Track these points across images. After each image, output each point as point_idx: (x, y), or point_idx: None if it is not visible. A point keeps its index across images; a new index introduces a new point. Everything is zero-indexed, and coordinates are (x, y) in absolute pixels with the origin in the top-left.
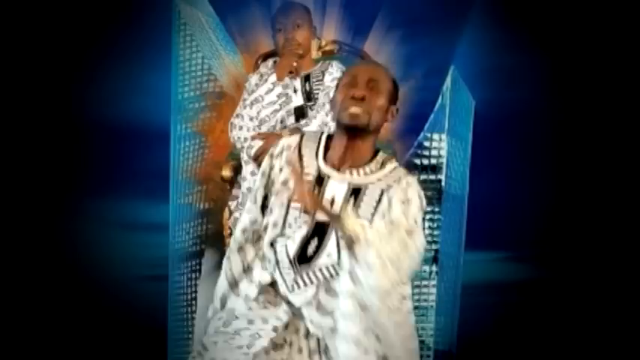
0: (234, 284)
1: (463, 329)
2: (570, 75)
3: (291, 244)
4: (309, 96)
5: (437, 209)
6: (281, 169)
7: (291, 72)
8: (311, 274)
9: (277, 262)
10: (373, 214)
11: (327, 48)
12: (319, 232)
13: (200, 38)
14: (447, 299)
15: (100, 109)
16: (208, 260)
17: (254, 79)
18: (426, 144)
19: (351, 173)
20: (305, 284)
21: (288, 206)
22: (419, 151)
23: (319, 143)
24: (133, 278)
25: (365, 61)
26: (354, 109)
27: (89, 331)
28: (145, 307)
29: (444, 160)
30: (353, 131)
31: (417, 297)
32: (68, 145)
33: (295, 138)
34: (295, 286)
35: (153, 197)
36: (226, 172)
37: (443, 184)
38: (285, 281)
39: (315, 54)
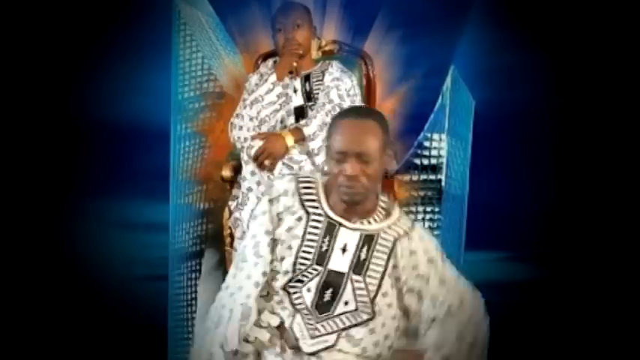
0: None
1: None
2: (570, 75)
3: (306, 293)
4: (309, 96)
5: (437, 209)
6: (280, 216)
7: (291, 72)
8: (331, 322)
9: (294, 307)
10: (387, 261)
11: (327, 48)
12: (334, 280)
13: (200, 38)
14: None
15: (100, 109)
16: (208, 260)
17: (254, 79)
18: (426, 144)
19: (361, 222)
20: (326, 330)
21: (297, 255)
22: (419, 151)
23: (318, 191)
24: (133, 278)
25: (352, 118)
26: (349, 190)
27: (89, 331)
28: (145, 307)
29: (444, 160)
30: (352, 203)
31: None
32: (68, 145)
33: (291, 182)
34: (316, 332)
35: (153, 197)
36: (226, 172)
37: (443, 184)
38: (305, 326)
39: (315, 54)
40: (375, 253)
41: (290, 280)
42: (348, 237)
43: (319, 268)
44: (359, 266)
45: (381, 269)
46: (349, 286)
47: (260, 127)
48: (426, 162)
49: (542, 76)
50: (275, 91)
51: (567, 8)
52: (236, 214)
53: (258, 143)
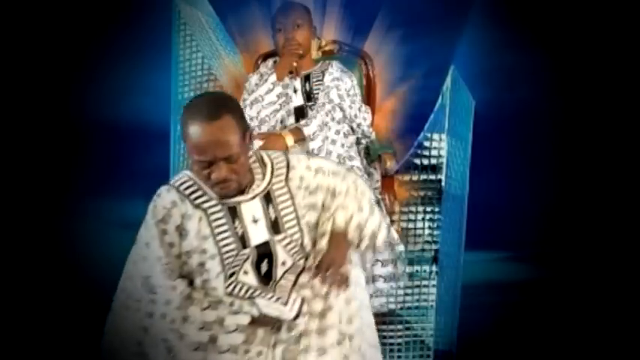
0: (211, 341)
1: (463, 329)
2: (570, 75)
3: (245, 277)
4: (309, 96)
5: (437, 209)
6: (180, 231)
7: (291, 72)
8: (280, 286)
9: (247, 298)
10: (293, 204)
11: (327, 48)
12: (263, 252)
13: (200, 38)
14: (447, 299)
15: (99, 109)
16: None
17: (254, 79)
18: (426, 144)
19: (252, 189)
20: (286, 294)
21: (220, 252)
22: (419, 151)
23: (199, 185)
24: None
25: (204, 120)
26: (223, 191)
27: (89, 330)
28: None
29: (444, 160)
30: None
31: (417, 297)
32: (68, 145)
33: (170, 192)
34: (282, 299)
35: (153, 197)
36: None
37: (443, 184)
38: (271, 301)
39: (315, 54)
40: (280, 206)
41: (227, 283)
42: (250, 209)
43: (247, 251)
44: (275, 226)
45: (293, 215)
46: (278, 248)
47: (260, 127)
48: (426, 162)
49: (542, 76)
50: (275, 91)
51: (567, 8)
52: None
53: (258, 143)
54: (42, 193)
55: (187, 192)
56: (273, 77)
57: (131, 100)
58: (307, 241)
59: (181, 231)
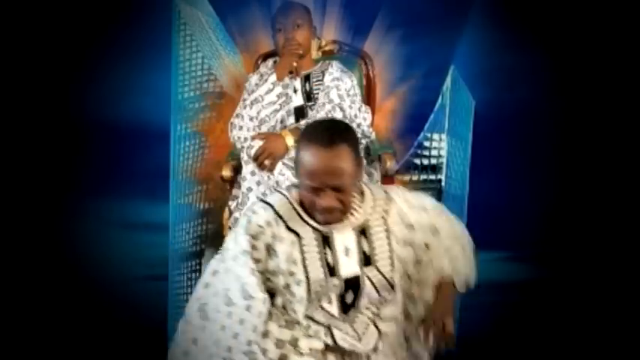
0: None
1: (463, 329)
2: (571, 75)
3: (328, 306)
4: (309, 96)
5: None
6: (270, 248)
7: (291, 72)
8: (360, 315)
9: (323, 325)
10: (388, 240)
11: (327, 48)
12: (351, 283)
13: (200, 38)
14: None
15: (99, 109)
16: (208, 260)
17: (254, 79)
18: (426, 144)
19: (347, 220)
20: (366, 324)
21: (307, 278)
22: (419, 151)
23: (297, 209)
24: (133, 278)
25: (323, 146)
26: (326, 218)
27: (89, 330)
28: (145, 307)
29: (444, 160)
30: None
31: None
32: (68, 145)
33: (267, 211)
34: (360, 333)
35: (153, 197)
36: (226, 172)
37: (443, 184)
38: (347, 334)
39: (315, 54)
40: (374, 238)
41: (307, 307)
42: (344, 239)
43: (336, 282)
44: (367, 259)
45: (387, 253)
46: (367, 282)
47: (260, 127)
48: (426, 162)
49: (542, 76)
50: (275, 91)
51: (567, 8)
52: (236, 214)
53: (258, 143)
54: (42, 193)
55: (283, 214)
56: (273, 77)
57: (131, 100)
58: (397, 277)
59: (270, 250)
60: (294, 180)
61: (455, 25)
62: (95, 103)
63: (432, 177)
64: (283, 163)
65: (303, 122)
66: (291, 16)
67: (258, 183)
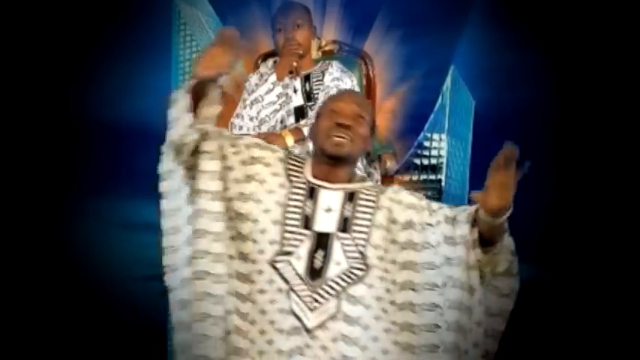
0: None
1: None
2: (571, 75)
3: (296, 262)
4: (309, 96)
5: None
6: (253, 161)
7: (291, 72)
8: (326, 287)
9: (287, 282)
10: (373, 215)
11: (327, 48)
12: (323, 243)
13: (200, 38)
14: None
15: (99, 109)
16: None
17: (254, 79)
18: (426, 144)
19: (342, 184)
20: (324, 298)
21: (283, 222)
22: (419, 151)
23: (304, 164)
24: (133, 278)
25: (350, 94)
26: (339, 139)
27: (89, 330)
28: (145, 307)
29: (444, 160)
30: (335, 159)
31: None
32: (68, 145)
33: (279, 152)
34: (315, 303)
35: (153, 197)
36: None
37: (443, 184)
38: (302, 300)
39: (315, 54)
40: (358, 208)
41: (278, 253)
42: (330, 197)
43: (307, 232)
44: (345, 224)
45: (367, 222)
46: (338, 245)
47: (260, 127)
48: (426, 162)
49: (542, 76)
50: (275, 91)
51: (567, 8)
52: None
53: None
54: (42, 193)
55: (290, 161)
56: (273, 77)
57: (131, 100)
58: (370, 253)
59: (259, 175)
60: None
61: (455, 25)
62: (95, 104)
63: (432, 177)
64: None
65: (303, 122)
66: (291, 16)
67: None
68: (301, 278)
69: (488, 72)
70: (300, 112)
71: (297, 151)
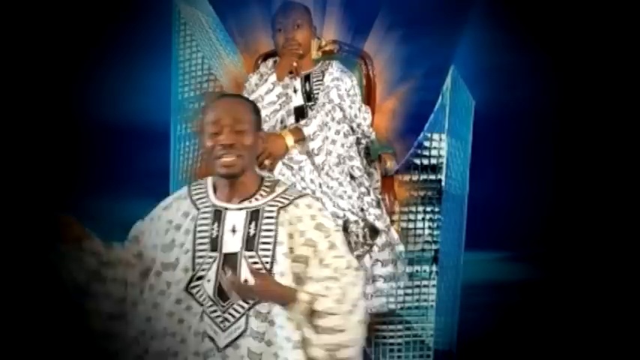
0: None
1: (463, 329)
2: (571, 75)
3: (207, 285)
4: (309, 96)
5: (437, 209)
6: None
7: (291, 72)
8: (236, 306)
9: (200, 305)
10: (275, 232)
11: (327, 48)
12: (231, 263)
13: (200, 38)
14: (447, 299)
15: (100, 109)
16: None
17: (254, 79)
18: (426, 144)
19: (248, 202)
20: (233, 317)
21: (194, 249)
22: (419, 151)
23: (207, 187)
24: None
25: (223, 98)
26: (226, 160)
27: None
28: None
29: (444, 160)
30: (231, 177)
31: (417, 297)
32: (68, 145)
33: (184, 190)
34: (226, 322)
35: (153, 197)
36: None
37: (443, 184)
38: (214, 321)
39: (315, 54)
40: (262, 227)
41: (191, 279)
42: (235, 218)
43: (214, 254)
44: (250, 242)
45: (271, 240)
46: (244, 264)
47: None
48: (426, 162)
49: (543, 76)
50: (275, 91)
51: (567, 8)
52: None
53: None
54: (42, 193)
55: (194, 191)
56: (273, 77)
57: (131, 100)
58: (276, 269)
59: (171, 224)
60: (294, 180)
61: (455, 25)
62: (95, 103)
63: (432, 177)
64: (283, 163)
65: (303, 122)
66: (291, 16)
67: None
68: (212, 300)
69: (488, 72)
70: (300, 112)
71: (297, 151)
